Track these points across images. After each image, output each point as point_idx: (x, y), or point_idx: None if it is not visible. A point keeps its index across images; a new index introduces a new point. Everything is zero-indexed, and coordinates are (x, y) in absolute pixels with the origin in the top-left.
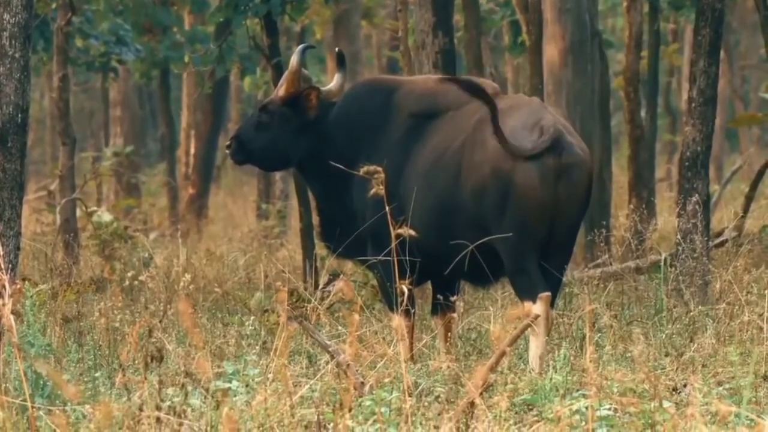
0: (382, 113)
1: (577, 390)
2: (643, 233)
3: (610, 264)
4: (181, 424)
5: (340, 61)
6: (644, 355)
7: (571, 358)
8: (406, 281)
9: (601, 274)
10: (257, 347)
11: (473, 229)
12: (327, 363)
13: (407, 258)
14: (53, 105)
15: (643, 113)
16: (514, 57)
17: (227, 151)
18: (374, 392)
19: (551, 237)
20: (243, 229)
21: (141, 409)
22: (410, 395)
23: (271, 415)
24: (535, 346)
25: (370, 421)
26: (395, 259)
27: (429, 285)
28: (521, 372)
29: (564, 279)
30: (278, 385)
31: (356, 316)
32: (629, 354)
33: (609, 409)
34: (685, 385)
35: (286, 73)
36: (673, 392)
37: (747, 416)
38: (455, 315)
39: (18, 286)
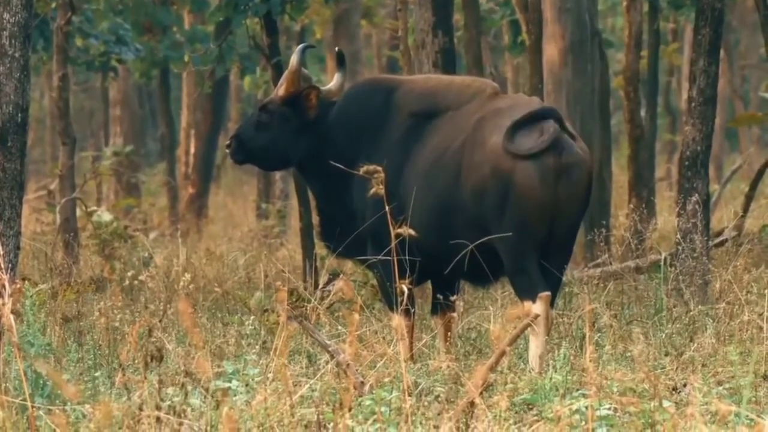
0: (382, 113)
1: (577, 390)
2: (643, 233)
3: (610, 263)
4: (181, 424)
5: (340, 61)
6: (644, 354)
7: (571, 357)
8: (406, 281)
9: (600, 274)
10: (257, 347)
11: (473, 229)
12: (327, 363)
13: (407, 258)
14: (53, 104)
15: (642, 113)
16: (514, 56)
17: (227, 151)
18: (374, 392)
19: (551, 237)
20: (243, 229)
21: (141, 409)
22: (410, 395)
23: (271, 414)
24: (535, 345)
25: (370, 421)
26: (395, 258)
27: (429, 285)
28: (521, 372)
29: (564, 279)
30: (278, 384)
31: (356, 316)
32: (629, 354)
33: (609, 408)
34: (685, 385)
35: (286, 73)
36: (673, 392)
37: (747, 416)
38: (455, 314)
39: (18, 286)
